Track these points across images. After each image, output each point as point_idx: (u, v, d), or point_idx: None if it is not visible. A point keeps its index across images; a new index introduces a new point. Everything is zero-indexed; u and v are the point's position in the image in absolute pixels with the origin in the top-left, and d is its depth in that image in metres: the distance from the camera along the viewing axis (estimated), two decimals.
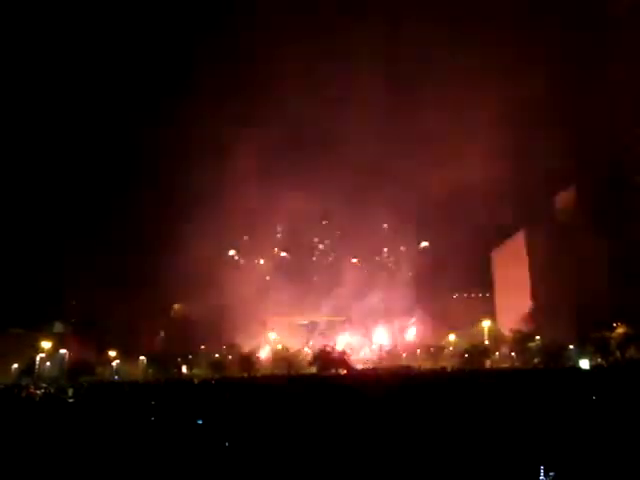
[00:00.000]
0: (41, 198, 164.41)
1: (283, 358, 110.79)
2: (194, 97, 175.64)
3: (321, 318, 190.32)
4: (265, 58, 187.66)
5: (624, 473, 12.01)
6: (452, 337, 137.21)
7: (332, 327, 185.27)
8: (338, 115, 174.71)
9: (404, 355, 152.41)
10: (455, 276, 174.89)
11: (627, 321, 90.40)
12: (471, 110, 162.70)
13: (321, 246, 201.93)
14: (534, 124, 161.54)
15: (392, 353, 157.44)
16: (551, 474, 11.40)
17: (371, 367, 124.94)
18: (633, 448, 13.00)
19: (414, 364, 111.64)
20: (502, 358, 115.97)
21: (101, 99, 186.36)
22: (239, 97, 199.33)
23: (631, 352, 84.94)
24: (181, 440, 16.25)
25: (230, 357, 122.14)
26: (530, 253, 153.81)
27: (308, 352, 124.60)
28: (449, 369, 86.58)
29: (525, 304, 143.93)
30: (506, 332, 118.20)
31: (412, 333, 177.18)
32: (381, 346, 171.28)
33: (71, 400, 40.33)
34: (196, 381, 68.29)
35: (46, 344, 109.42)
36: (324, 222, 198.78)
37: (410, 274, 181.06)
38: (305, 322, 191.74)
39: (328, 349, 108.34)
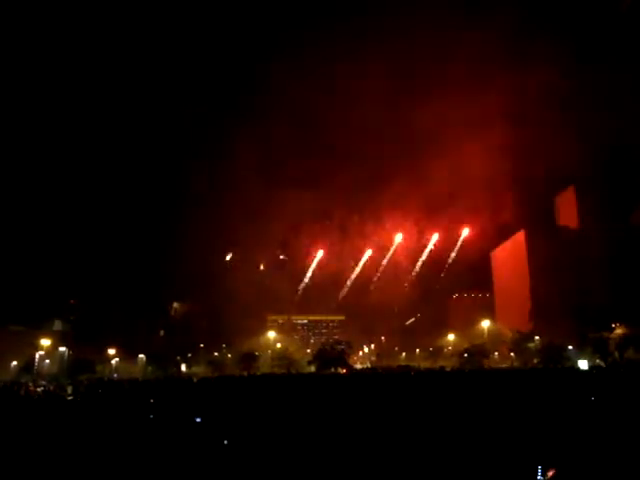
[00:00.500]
0: (41, 197, 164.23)
1: (282, 357, 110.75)
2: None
3: (321, 317, 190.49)
4: None
5: (622, 473, 12.04)
6: (451, 337, 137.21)
7: (331, 326, 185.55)
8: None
9: (403, 354, 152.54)
10: (455, 276, 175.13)
11: (626, 322, 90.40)
12: (471, 110, 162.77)
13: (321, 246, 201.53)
14: (535, 124, 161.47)
15: (391, 352, 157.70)
16: (549, 474, 11.43)
17: (370, 366, 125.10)
18: (631, 448, 13.02)
19: (413, 364, 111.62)
20: (501, 358, 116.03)
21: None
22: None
23: (630, 353, 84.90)
24: (180, 438, 16.27)
25: (229, 356, 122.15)
26: (530, 254, 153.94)
27: (307, 351, 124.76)
28: (448, 369, 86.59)
29: (524, 304, 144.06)
30: (505, 332, 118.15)
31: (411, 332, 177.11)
32: (380, 345, 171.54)
33: (70, 398, 40.37)
34: (195, 379, 68.29)
35: (45, 342, 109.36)
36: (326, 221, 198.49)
37: (411, 273, 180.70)
38: (305, 321, 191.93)
39: (327, 348, 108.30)
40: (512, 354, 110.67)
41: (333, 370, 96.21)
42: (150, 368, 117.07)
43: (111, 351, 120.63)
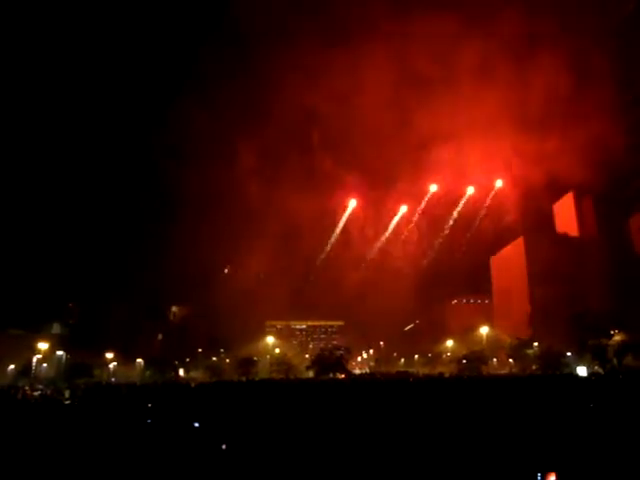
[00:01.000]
0: (40, 200, 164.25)
1: (281, 362, 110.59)
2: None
3: (319, 322, 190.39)
4: None
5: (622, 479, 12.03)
6: (450, 343, 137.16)
7: (330, 331, 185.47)
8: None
9: (402, 360, 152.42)
10: (454, 282, 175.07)
11: (625, 329, 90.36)
12: (470, 114, 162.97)
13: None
14: (534, 129, 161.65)
15: (390, 358, 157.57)
16: None
17: (369, 372, 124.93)
18: (630, 455, 13.00)
19: (412, 370, 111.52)
20: (500, 364, 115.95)
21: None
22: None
23: (629, 360, 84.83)
24: (178, 443, 16.22)
25: (228, 361, 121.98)
26: (529, 260, 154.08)
27: (306, 356, 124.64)
28: (447, 375, 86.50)
29: (523, 310, 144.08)
30: (504, 338, 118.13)
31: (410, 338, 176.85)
32: (379, 351, 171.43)
33: (68, 402, 40.26)
34: (193, 384, 68.14)
35: (43, 345, 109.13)
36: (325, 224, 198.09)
37: (410, 279, 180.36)
38: (303, 326, 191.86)
39: (326, 353, 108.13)
40: (511, 360, 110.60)
41: (332, 375, 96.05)
42: (148, 372, 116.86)
43: (109, 355, 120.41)
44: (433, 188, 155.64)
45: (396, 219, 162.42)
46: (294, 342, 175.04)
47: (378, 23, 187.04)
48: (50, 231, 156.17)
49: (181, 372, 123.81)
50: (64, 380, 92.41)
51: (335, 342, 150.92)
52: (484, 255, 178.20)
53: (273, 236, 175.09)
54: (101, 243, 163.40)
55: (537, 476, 11.43)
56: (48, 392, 57.15)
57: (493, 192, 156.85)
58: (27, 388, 65.16)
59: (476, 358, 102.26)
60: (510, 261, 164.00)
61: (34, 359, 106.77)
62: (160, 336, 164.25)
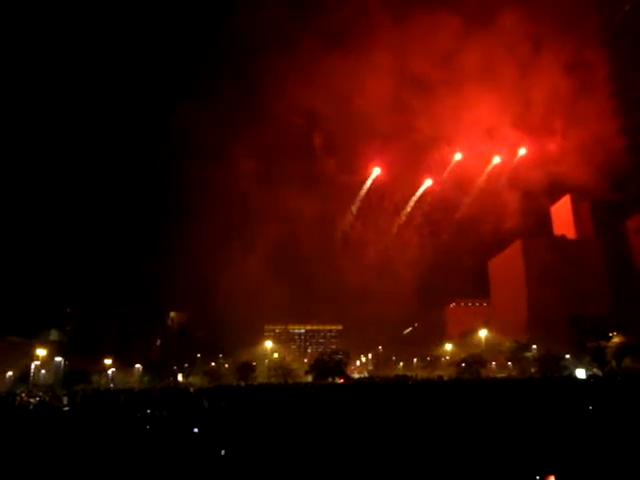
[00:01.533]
0: (38, 207, 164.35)
1: (279, 367, 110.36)
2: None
3: (318, 327, 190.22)
4: None
5: None
6: (449, 346, 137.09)
7: (329, 336, 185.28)
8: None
9: (401, 364, 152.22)
10: (452, 286, 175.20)
11: (623, 331, 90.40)
12: (470, 116, 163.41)
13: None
14: (531, 133, 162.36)
15: (388, 362, 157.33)
16: None
17: (368, 376, 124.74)
18: (629, 457, 13.02)
19: (411, 373, 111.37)
20: (499, 367, 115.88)
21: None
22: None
23: (627, 362, 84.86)
24: (177, 449, 16.20)
25: (226, 366, 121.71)
26: (527, 263, 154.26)
27: (305, 361, 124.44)
28: (446, 378, 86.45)
29: (522, 313, 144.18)
30: (503, 341, 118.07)
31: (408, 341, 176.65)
32: (378, 355, 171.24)
33: (66, 408, 40.13)
34: (192, 390, 67.94)
35: (41, 352, 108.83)
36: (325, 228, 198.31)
37: (409, 283, 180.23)
38: (302, 330, 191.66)
39: (325, 358, 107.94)
40: (509, 363, 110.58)
41: (330, 380, 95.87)
42: (146, 378, 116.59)
43: (107, 361, 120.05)
44: (457, 156, 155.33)
45: (419, 192, 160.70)
46: (293, 346, 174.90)
47: None
48: (48, 238, 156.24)
49: (180, 377, 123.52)
50: (62, 386, 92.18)
51: (334, 346, 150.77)
52: (482, 259, 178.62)
53: (272, 240, 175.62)
54: (99, 250, 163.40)
55: (536, 478, 11.44)
56: (46, 398, 56.93)
57: (517, 158, 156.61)
58: (24, 395, 64.92)
59: (475, 361, 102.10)
60: (508, 264, 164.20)
61: (32, 366, 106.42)
62: (158, 342, 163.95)
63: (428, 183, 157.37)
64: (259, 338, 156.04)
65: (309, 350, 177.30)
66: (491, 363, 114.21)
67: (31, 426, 24.36)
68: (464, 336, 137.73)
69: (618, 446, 14.20)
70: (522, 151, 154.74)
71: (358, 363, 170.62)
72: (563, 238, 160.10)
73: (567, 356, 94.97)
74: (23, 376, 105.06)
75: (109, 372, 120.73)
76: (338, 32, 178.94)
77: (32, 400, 54.39)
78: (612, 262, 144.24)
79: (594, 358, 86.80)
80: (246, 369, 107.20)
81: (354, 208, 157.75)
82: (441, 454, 14.10)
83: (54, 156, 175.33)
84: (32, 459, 15.32)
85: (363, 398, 37.29)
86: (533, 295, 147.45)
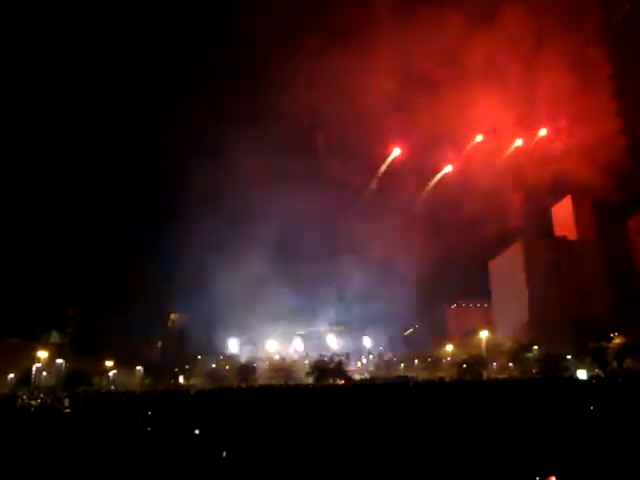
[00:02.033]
0: (40, 209, 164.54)
1: (281, 368, 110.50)
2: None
3: (319, 328, 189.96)
4: None
5: None
6: (450, 347, 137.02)
7: (330, 337, 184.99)
8: None
9: (402, 365, 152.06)
10: (453, 286, 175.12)
11: (625, 331, 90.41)
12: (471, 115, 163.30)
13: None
14: (531, 130, 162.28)
15: (389, 363, 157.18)
16: None
17: (368, 377, 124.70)
18: (630, 458, 13.02)
19: (412, 374, 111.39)
20: (500, 368, 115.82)
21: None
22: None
23: (629, 362, 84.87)
24: (178, 451, 16.22)
25: (227, 367, 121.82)
26: (527, 263, 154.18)
27: (305, 362, 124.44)
28: (447, 379, 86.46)
29: (523, 314, 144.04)
30: (504, 342, 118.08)
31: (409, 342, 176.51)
32: (379, 356, 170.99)
33: (67, 410, 40.13)
34: (192, 391, 68.02)
35: (43, 354, 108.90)
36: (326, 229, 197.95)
37: (410, 283, 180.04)
38: (303, 332, 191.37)
39: (325, 359, 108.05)
40: (511, 364, 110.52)
41: (331, 381, 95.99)
42: (148, 380, 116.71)
43: (108, 363, 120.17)
44: (479, 138, 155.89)
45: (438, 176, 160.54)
46: (293, 348, 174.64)
47: None
48: (49, 240, 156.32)
49: (181, 379, 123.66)
50: (64, 388, 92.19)
51: (334, 348, 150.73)
52: (483, 259, 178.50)
53: (273, 239, 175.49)
54: (99, 252, 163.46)
55: (536, 479, 11.45)
56: (48, 400, 56.90)
57: (537, 138, 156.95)
58: (25, 397, 64.93)
59: (476, 362, 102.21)
60: (509, 265, 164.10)
61: (34, 367, 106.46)
62: (159, 343, 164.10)
63: (448, 169, 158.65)
64: (260, 339, 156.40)
65: (310, 352, 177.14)
66: (492, 364, 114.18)
67: (33, 428, 24.39)
68: (465, 337, 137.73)
69: (619, 447, 14.21)
70: (543, 131, 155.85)
71: (359, 364, 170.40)
72: (564, 239, 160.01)
73: (568, 357, 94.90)
74: (24, 378, 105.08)
75: (110, 374, 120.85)
76: (348, 20, 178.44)
77: (33, 402, 54.37)
78: (613, 263, 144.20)
79: (595, 359, 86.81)
80: (247, 371, 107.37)
81: (375, 184, 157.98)
82: (442, 455, 14.11)
83: (55, 157, 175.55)
84: (34, 461, 15.35)
85: (364, 399, 37.28)
86: (534, 296, 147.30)
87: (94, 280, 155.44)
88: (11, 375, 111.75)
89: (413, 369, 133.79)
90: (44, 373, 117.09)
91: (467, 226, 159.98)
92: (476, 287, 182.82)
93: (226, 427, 21.63)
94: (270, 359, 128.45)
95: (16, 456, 15.97)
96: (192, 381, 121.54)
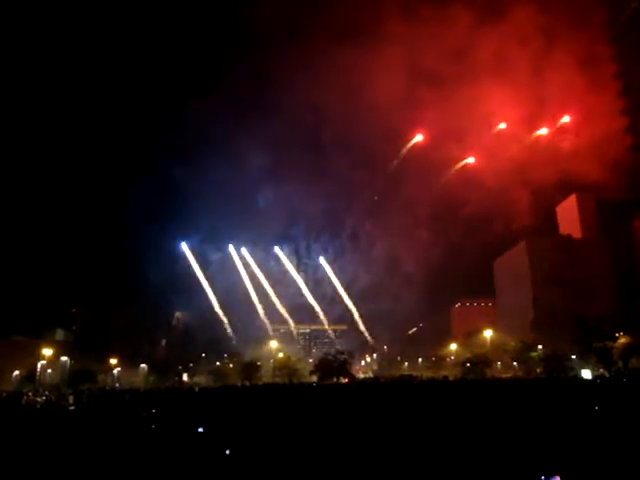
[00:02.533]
0: (44, 208, 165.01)
1: (284, 367, 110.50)
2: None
3: (323, 326, 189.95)
4: None
5: None
6: (454, 346, 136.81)
7: (334, 335, 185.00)
8: None
9: (406, 364, 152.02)
10: (458, 285, 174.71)
11: (630, 331, 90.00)
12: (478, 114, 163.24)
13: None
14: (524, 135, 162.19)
15: (393, 362, 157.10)
16: None
17: (372, 376, 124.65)
18: (635, 459, 12.96)
19: (416, 373, 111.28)
20: (504, 368, 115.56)
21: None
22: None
23: (633, 362, 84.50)
24: (182, 448, 16.24)
25: (231, 365, 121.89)
26: (532, 262, 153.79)
27: (309, 361, 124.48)
28: (451, 378, 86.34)
29: (527, 313, 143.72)
30: (508, 341, 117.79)
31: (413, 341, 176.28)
32: (383, 355, 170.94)
33: (72, 408, 40.26)
34: (197, 389, 68.17)
35: (47, 351, 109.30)
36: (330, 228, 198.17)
37: (414, 282, 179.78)
38: (307, 330, 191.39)
39: (329, 358, 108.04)
40: (515, 363, 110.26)
41: (335, 380, 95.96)
42: (152, 378, 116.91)
43: (113, 361, 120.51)
44: (502, 125, 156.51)
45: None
46: (297, 346, 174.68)
47: None
48: (53, 238, 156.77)
49: (185, 377, 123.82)
50: (68, 386, 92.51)
51: (338, 347, 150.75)
52: (488, 258, 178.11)
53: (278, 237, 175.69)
54: (104, 250, 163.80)
55: (541, 479, 11.41)
56: (52, 398, 57.13)
57: (559, 124, 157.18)
58: (31, 394, 65.19)
59: (480, 361, 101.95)
60: (514, 264, 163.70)
61: (39, 365, 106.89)
62: (164, 341, 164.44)
63: (470, 160, 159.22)
64: (265, 338, 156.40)
65: (314, 350, 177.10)
66: (496, 363, 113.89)
67: (38, 425, 24.47)
68: (469, 336, 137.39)
69: (624, 447, 14.15)
70: (566, 118, 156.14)
71: (363, 363, 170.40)
72: (569, 238, 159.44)
73: (573, 356, 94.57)
74: (29, 375, 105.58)
75: (115, 372, 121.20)
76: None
77: (39, 399, 54.59)
78: (618, 262, 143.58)
79: (600, 358, 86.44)
80: (251, 369, 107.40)
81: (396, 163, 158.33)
82: (446, 454, 14.08)
83: (61, 156, 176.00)
84: (39, 458, 15.39)
85: (368, 398, 37.27)
86: (539, 295, 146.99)
87: (99, 278, 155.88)
88: (16, 372, 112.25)
89: (417, 368, 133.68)
90: (49, 370, 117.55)
91: (473, 224, 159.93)
92: (480, 286, 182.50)
93: (230, 425, 21.65)
94: (274, 357, 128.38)
95: (21, 453, 16.03)
96: (196, 379, 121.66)
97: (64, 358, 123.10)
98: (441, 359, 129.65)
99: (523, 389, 41.07)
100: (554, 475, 11.45)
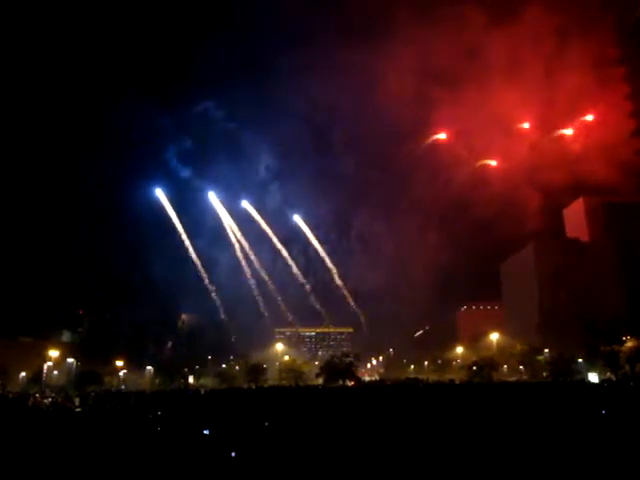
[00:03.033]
0: (50, 210, 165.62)
1: (290, 369, 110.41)
2: None
3: (328, 329, 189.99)
4: None
5: None
6: (460, 349, 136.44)
7: (339, 338, 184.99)
8: None
9: (412, 367, 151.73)
10: (464, 288, 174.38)
11: (637, 335, 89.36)
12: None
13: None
14: (547, 132, 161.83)
15: (399, 365, 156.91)
16: None
17: (378, 379, 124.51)
18: None
19: (422, 376, 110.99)
20: (510, 371, 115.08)
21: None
22: None
23: None
24: (188, 450, 16.27)
25: (237, 367, 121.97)
26: (539, 266, 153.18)
27: (315, 363, 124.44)
28: (457, 382, 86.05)
29: (534, 316, 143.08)
30: (514, 345, 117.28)
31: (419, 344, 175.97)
32: (389, 358, 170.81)
33: (78, 409, 40.41)
34: (203, 391, 68.22)
35: (54, 353, 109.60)
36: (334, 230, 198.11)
37: (421, 285, 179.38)
38: (312, 333, 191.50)
39: (335, 360, 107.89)
40: (521, 367, 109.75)
41: (341, 382, 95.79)
42: (158, 380, 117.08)
43: (119, 363, 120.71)
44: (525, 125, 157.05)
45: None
46: (303, 349, 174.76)
47: None
48: (60, 240, 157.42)
49: (191, 379, 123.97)
50: (74, 388, 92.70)
51: (344, 349, 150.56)
52: (494, 261, 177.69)
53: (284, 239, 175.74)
54: (110, 252, 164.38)
55: None
56: (59, 399, 57.35)
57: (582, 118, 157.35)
58: (38, 395, 65.46)
59: (486, 365, 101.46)
60: (520, 267, 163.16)
61: (45, 366, 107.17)
62: (170, 344, 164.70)
63: (493, 163, 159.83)
64: (270, 341, 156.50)
65: (320, 353, 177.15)
66: (503, 366, 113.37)
67: (44, 426, 24.56)
68: (475, 339, 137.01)
69: (631, 451, 14.07)
70: (589, 117, 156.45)
71: (369, 366, 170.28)
72: (576, 241, 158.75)
73: (580, 360, 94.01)
74: (36, 377, 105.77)
75: (121, 374, 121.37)
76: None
77: (45, 401, 54.81)
78: (625, 265, 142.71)
79: (607, 362, 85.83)
80: (257, 371, 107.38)
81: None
82: (453, 457, 14.04)
83: (64, 159, 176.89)
84: (45, 459, 15.45)
85: (374, 401, 37.22)
86: (545, 298, 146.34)
87: (105, 280, 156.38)
88: (23, 374, 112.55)
89: (423, 371, 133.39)
90: (55, 372, 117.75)
91: (479, 227, 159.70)
92: (487, 289, 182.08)
93: (235, 427, 21.66)
94: (280, 360, 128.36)
95: (28, 454, 16.10)
96: (202, 381, 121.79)
97: (70, 360, 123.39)
98: (447, 362, 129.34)
99: (530, 392, 40.91)
100: (561, 478, 11.42)
